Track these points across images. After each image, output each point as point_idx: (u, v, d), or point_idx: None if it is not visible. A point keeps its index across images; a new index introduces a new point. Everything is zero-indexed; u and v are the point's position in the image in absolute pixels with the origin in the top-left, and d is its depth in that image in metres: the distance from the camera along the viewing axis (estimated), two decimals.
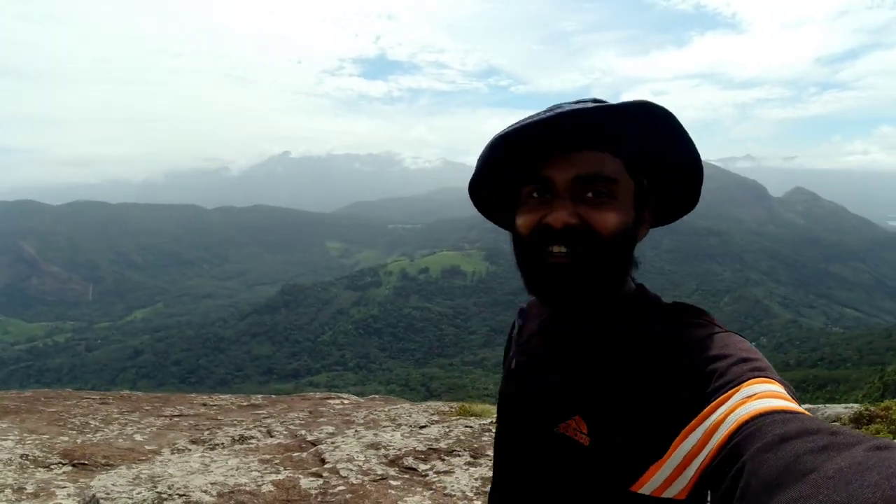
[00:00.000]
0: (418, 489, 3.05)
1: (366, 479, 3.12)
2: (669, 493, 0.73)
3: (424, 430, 4.13)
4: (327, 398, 6.16)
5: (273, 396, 6.42)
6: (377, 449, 3.59)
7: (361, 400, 6.17)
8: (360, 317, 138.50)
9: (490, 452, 3.62)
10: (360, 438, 3.84)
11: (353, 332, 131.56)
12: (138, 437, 4.11)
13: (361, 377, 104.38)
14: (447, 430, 4.10)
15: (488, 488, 3.50)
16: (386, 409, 5.28)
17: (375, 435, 3.96)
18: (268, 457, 3.48)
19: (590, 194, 0.82)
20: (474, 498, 3.02)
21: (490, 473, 3.21)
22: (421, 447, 3.65)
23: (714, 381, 0.70)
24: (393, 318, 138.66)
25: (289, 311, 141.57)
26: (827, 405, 6.52)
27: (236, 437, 4.15)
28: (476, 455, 3.57)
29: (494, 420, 4.46)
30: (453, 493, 3.05)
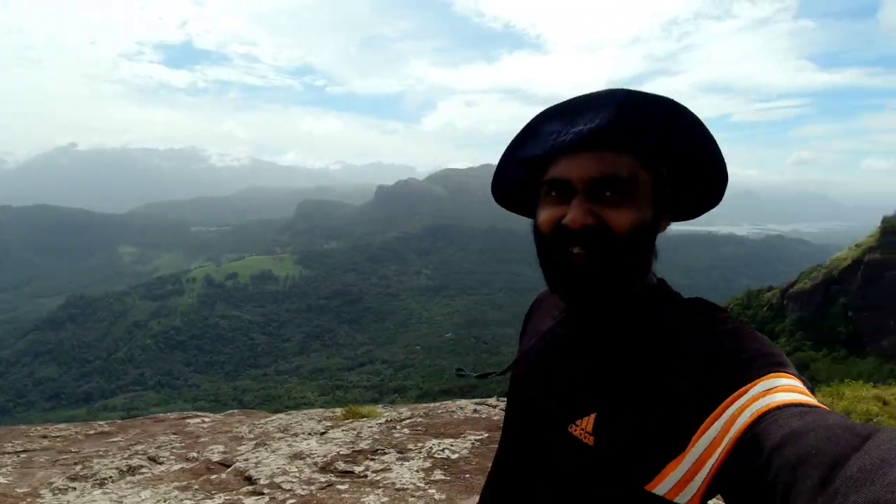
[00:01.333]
0: (368, 489, 3.01)
1: (312, 487, 3.00)
2: (682, 497, 0.71)
3: (333, 436, 4.07)
4: (184, 418, 5.73)
5: (119, 421, 5.79)
6: (302, 458, 3.46)
7: (220, 416, 5.84)
8: (161, 329, 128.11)
9: (412, 447, 3.69)
10: (275, 451, 3.67)
11: (152, 346, 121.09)
12: (1, 480, 3.54)
13: (165, 396, 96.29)
14: (355, 432, 4.08)
15: (436, 476, 3.53)
16: (261, 421, 5.08)
17: (290, 446, 3.81)
18: (183, 483, 3.19)
19: (607, 193, 0.81)
20: (427, 487, 3.07)
21: (426, 464, 3.32)
22: (344, 451, 3.59)
23: (732, 376, 0.69)
24: (198, 329, 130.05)
25: (76, 325, 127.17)
26: None
27: (123, 469, 3.73)
28: (402, 451, 3.61)
29: (390, 419, 4.54)
30: (405, 486, 3.06)
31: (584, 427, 0.81)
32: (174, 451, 4.09)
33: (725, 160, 0.87)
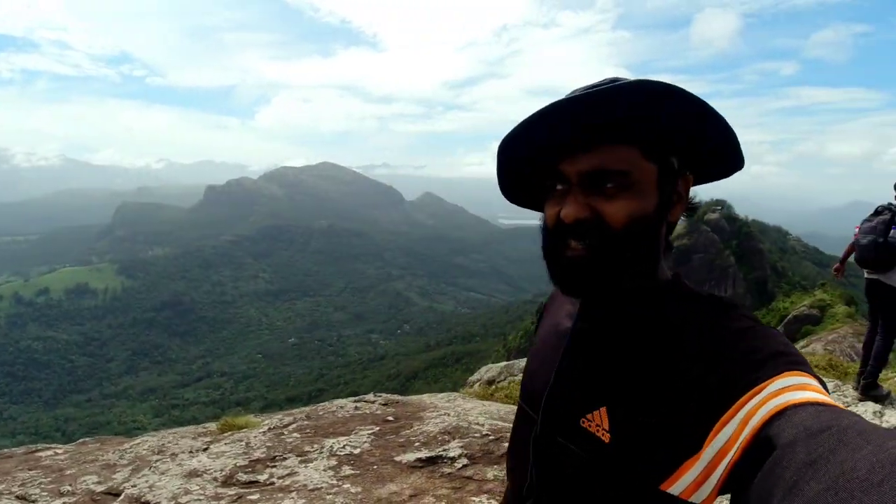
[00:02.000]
0: (280, 495, 2.93)
1: (222, 502, 2.91)
2: (697, 497, 0.70)
3: (220, 450, 3.92)
4: (33, 452, 5.14)
5: None
6: (199, 476, 3.28)
7: (72, 446, 5.34)
8: None
9: (309, 448, 3.68)
10: (165, 472, 3.45)
11: None
12: None
13: None
14: (242, 443, 3.96)
15: (345, 472, 3.53)
16: (126, 446, 4.74)
17: (179, 465, 3.60)
18: None
19: (606, 185, 0.80)
20: (340, 483, 3.08)
21: (331, 462, 3.35)
22: (241, 462, 3.46)
23: (747, 374, 0.68)
24: (8, 354, 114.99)
25: None
26: (521, 360, 8.02)
27: None
28: (301, 454, 3.56)
29: (272, 426, 4.48)
30: (318, 486, 3.05)
31: (597, 422, 0.80)
32: (44, 486, 3.70)
33: (733, 130, 0.83)
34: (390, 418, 4.34)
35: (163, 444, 4.48)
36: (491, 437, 3.69)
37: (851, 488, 0.46)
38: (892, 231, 4.81)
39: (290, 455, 3.58)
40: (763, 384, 0.65)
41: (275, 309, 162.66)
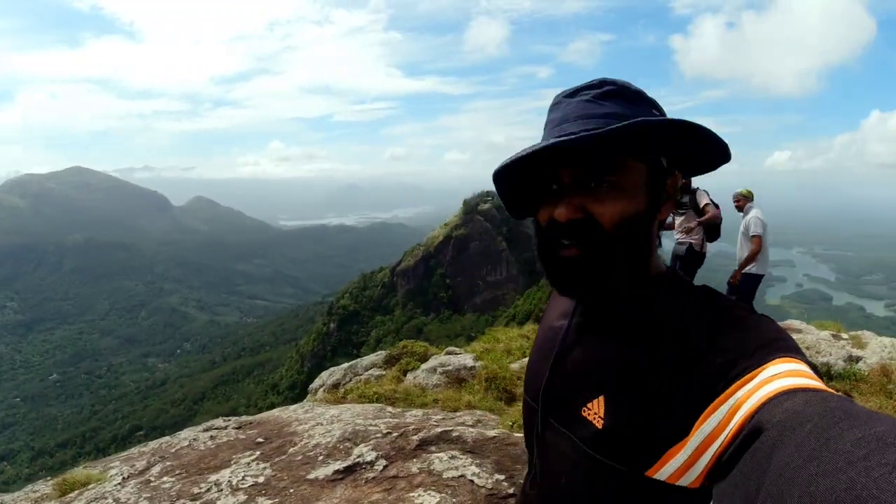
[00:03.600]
0: None
1: None
2: (684, 480, 0.72)
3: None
4: None
5: None
6: None
7: None
8: None
9: (199, 490, 3.28)
10: None
11: None
12: None
13: None
14: (106, 501, 3.44)
15: (261, 502, 3.29)
16: None
17: None
18: None
19: (592, 185, 0.82)
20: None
21: (240, 498, 3.02)
22: None
23: (739, 362, 0.69)
24: None
25: None
26: (361, 358, 7.95)
27: None
28: (195, 498, 3.18)
29: (127, 475, 3.92)
30: None
31: (594, 410, 0.82)
32: None
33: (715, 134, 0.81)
34: (261, 440, 4.04)
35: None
36: (395, 435, 3.64)
37: (836, 461, 0.47)
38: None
39: (182, 501, 3.17)
40: (755, 371, 0.66)
41: (28, 343, 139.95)
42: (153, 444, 4.57)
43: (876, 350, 6.41)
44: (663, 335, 0.80)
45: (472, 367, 6.67)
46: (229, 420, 4.75)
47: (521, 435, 4.01)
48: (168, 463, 3.85)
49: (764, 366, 0.66)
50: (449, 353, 7.34)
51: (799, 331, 7.17)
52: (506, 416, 4.92)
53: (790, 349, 0.69)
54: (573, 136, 0.76)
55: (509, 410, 5.36)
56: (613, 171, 0.81)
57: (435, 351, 7.73)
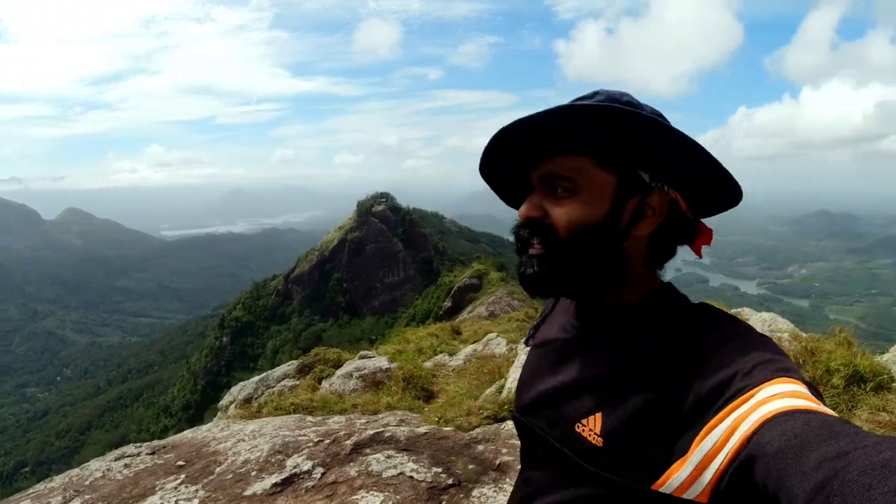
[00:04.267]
0: None
1: None
2: (690, 493, 0.72)
3: None
4: None
5: None
6: None
7: None
8: None
9: None
10: None
11: None
12: None
13: None
14: None
15: None
16: None
17: None
18: None
19: (558, 190, 0.85)
20: None
21: None
22: None
23: (737, 380, 0.69)
24: None
25: None
26: (273, 370, 7.81)
27: None
28: None
29: None
30: None
31: (591, 427, 0.82)
32: None
33: (711, 156, 0.83)
34: (181, 463, 3.93)
35: None
36: (328, 441, 3.68)
37: (843, 492, 0.47)
38: None
39: None
40: (753, 391, 0.67)
41: None
42: (59, 478, 4.31)
43: (757, 324, 7.15)
44: (661, 352, 0.80)
45: (388, 369, 6.77)
46: (140, 446, 4.55)
47: (451, 429, 4.19)
48: (87, 496, 3.67)
49: (761, 385, 0.66)
50: (363, 357, 7.39)
51: None
52: (428, 413, 5.06)
53: (788, 369, 0.69)
54: (514, 121, 0.82)
55: (429, 408, 5.51)
56: (568, 178, 0.84)
57: (348, 356, 7.75)
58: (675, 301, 0.89)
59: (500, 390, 5.49)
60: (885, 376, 3.67)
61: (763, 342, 0.76)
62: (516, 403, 1.06)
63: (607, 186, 0.84)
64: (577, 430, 0.84)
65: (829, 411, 0.61)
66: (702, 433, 0.69)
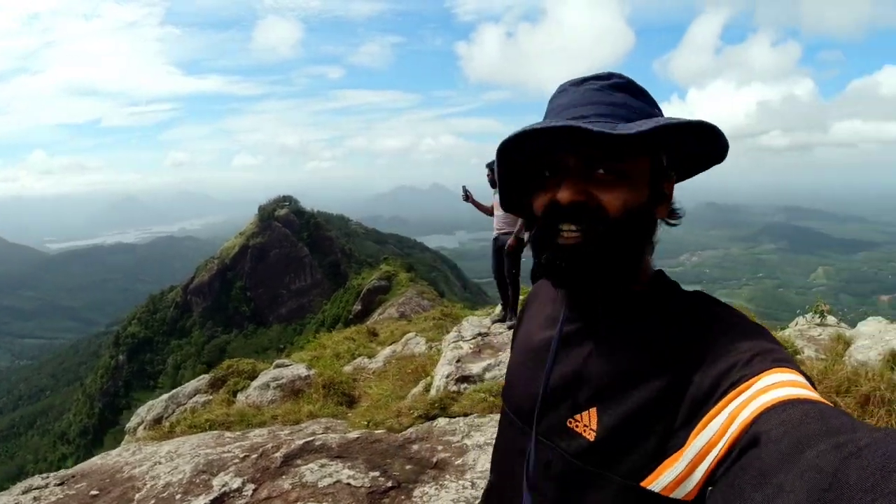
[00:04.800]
0: None
1: None
2: (679, 492, 0.70)
3: None
4: None
5: None
6: None
7: None
8: None
9: None
10: None
11: None
12: None
13: None
14: None
15: None
16: None
17: None
18: None
19: (599, 172, 0.79)
20: None
21: None
22: None
23: (736, 370, 0.68)
24: None
25: None
26: (183, 386, 7.42)
27: None
28: None
29: None
30: None
31: (585, 422, 0.80)
32: None
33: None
34: (95, 492, 3.68)
35: None
36: (255, 456, 3.53)
37: (841, 493, 0.46)
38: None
39: None
40: (751, 380, 0.65)
41: None
42: None
43: None
44: (658, 342, 0.78)
45: (307, 377, 6.62)
46: (47, 476, 4.21)
47: (383, 431, 4.13)
48: None
49: (760, 375, 0.66)
50: (279, 366, 7.19)
51: None
52: (354, 418, 4.98)
53: (785, 359, 0.69)
54: (602, 130, 0.73)
55: (354, 413, 5.43)
56: (623, 160, 0.79)
57: (264, 366, 7.51)
58: (671, 288, 0.87)
59: (427, 388, 5.49)
60: (790, 349, 3.97)
61: (759, 331, 0.75)
62: (507, 402, 1.01)
63: (646, 170, 0.82)
64: (569, 425, 0.82)
65: (826, 401, 0.61)
66: (700, 424, 0.68)
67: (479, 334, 6.49)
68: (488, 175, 6.56)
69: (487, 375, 5.31)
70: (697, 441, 0.67)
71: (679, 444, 0.70)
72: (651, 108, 0.84)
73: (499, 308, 7.44)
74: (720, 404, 0.66)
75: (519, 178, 0.91)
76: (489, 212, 6.88)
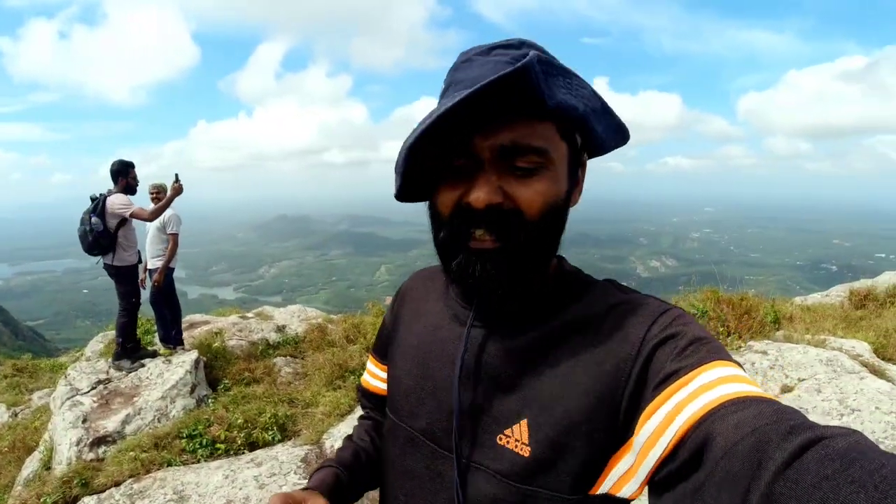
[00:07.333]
0: None
1: None
2: (627, 490, 0.66)
3: None
4: None
5: None
6: None
7: None
8: None
9: None
10: None
11: None
12: None
13: None
14: None
15: None
16: None
17: None
18: None
19: (518, 164, 0.68)
20: None
21: None
22: None
23: (669, 363, 0.63)
24: None
25: None
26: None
27: None
28: None
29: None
30: None
31: (516, 437, 0.72)
32: None
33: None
34: None
35: None
36: None
37: (800, 487, 0.44)
38: (92, 219, 5.26)
39: None
40: (691, 373, 0.61)
41: None
42: None
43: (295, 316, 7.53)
44: (580, 339, 0.72)
45: None
46: None
47: None
48: None
49: (700, 368, 0.61)
50: None
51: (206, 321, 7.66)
52: None
53: (720, 350, 0.65)
54: (500, 74, 0.59)
55: None
56: (540, 150, 0.68)
57: None
58: (578, 278, 0.81)
59: (47, 465, 4.35)
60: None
61: (687, 319, 0.70)
62: (404, 420, 0.87)
63: (564, 156, 0.72)
64: (500, 442, 0.73)
65: (773, 397, 0.57)
66: (643, 416, 0.62)
67: (99, 382, 5.41)
68: (156, 195, 5.83)
69: (129, 429, 4.45)
70: (641, 435, 0.62)
71: (622, 440, 0.66)
72: (573, 79, 0.72)
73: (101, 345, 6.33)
74: (661, 396, 0.61)
75: (422, 168, 0.73)
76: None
